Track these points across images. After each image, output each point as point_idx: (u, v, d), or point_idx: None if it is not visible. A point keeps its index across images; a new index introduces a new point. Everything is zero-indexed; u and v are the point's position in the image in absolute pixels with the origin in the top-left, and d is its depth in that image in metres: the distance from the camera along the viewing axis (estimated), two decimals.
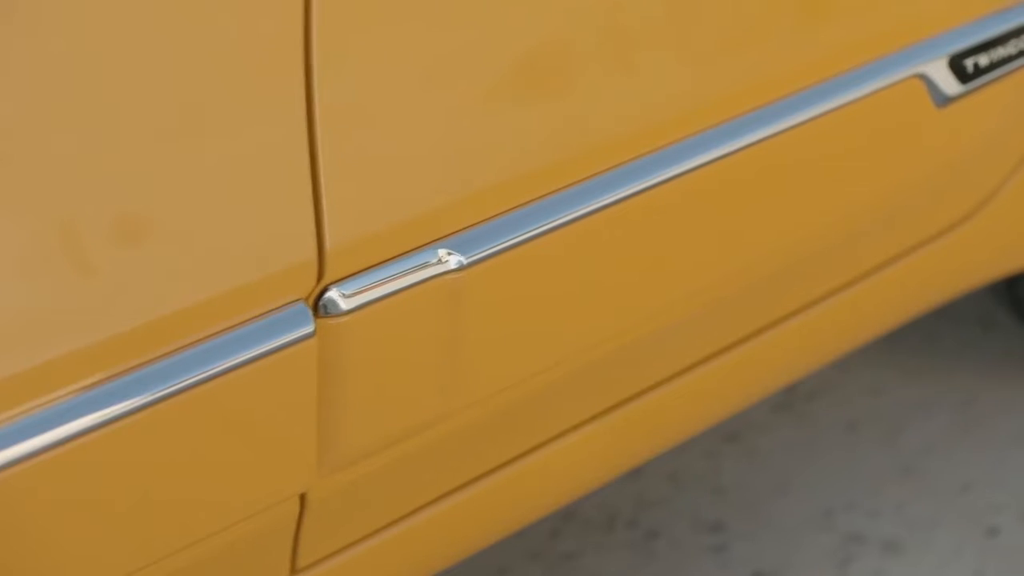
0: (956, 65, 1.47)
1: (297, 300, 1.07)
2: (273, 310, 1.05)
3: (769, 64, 1.35)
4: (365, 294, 1.09)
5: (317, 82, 1.03)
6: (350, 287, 1.09)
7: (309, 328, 1.07)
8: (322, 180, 1.05)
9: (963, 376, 2.10)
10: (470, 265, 1.14)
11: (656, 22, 1.25)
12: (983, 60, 1.50)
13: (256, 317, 1.05)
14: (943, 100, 1.48)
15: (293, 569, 1.20)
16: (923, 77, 1.45)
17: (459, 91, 1.12)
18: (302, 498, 1.16)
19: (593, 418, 1.44)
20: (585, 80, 1.19)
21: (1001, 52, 1.52)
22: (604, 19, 1.21)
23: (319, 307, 1.09)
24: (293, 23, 1.02)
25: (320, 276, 1.08)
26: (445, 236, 1.13)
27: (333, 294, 1.09)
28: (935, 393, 2.07)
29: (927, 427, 2.01)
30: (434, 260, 1.12)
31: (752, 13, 1.33)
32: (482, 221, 1.15)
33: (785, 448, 1.99)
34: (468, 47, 1.12)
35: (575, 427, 1.42)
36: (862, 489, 1.92)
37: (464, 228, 1.14)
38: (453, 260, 1.13)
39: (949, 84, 1.48)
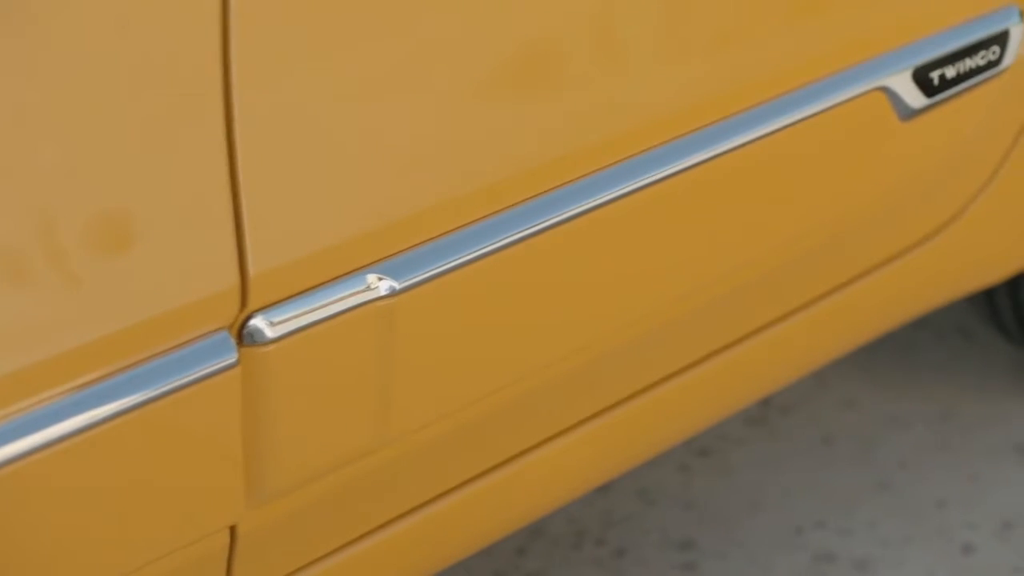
0: (920, 78, 1.43)
1: (220, 329, 1.03)
2: (194, 339, 1.02)
3: (727, 77, 1.31)
4: (292, 322, 1.06)
5: (237, 98, 0.99)
6: (276, 315, 1.05)
7: (232, 358, 1.04)
8: (243, 204, 1.01)
9: (941, 389, 2.06)
10: (404, 291, 1.10)
11: (599, 38, 1.21)
12: (950, 72, 1.46)
13: (177, 347, 1.01)
14: (908, 113, 1.45)
15: None
16: (886, 90, 1.41)
17: (389, 109, 1.08)
18: (232, 530, 1.12)
19: (556, 436, 1.40)
20: (529, 96, 1.15)
21: (969, 64, 1.48)
22: (553, 33, 1.18)
23: (243, 335, 1.05)
24: (209, 34, 0.98)
25: (244, 304, 1.04)
26: (378, 260, 1.09)
27: (258, 322, 1.05)
28: (912, 407, 2.03)
29: (903, 442, 1.98)
30: (363, 287, 1.08)
31: (709, 26, 1.29)
32: (417, 245, 1.11)
33: (758, 463, 1.95)
34: (398, 62, 1.08)
35: (534, 447, 1.38)
36: (834, 506, 1.88)
37: (398, 252, 1.10)
38: (384, 286, 1.09)
39: (914, 97, 1.44)
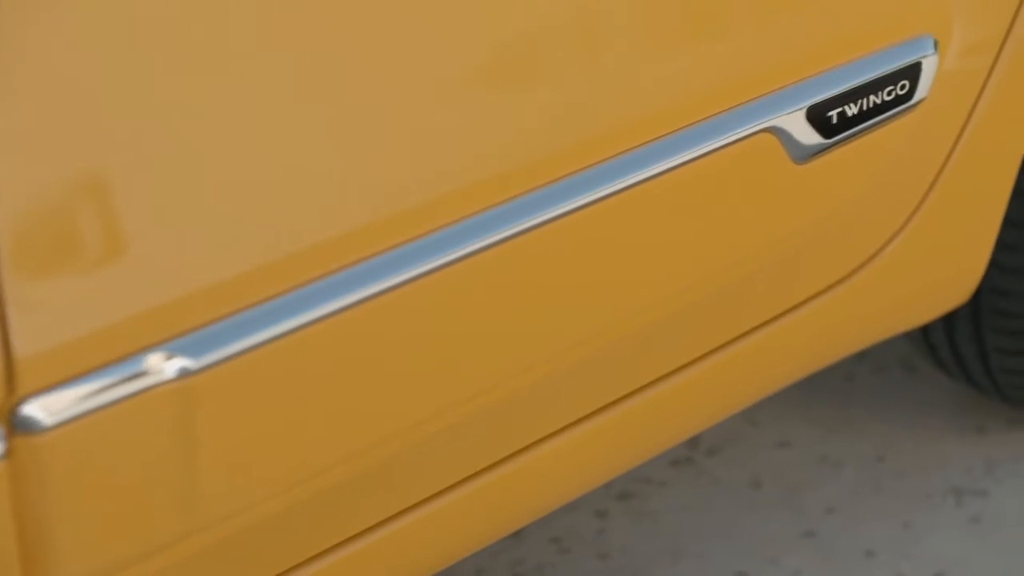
0: (816, 117, 1.33)
1: None
2: None
3: (597, 120, 1.22)
4: (71, 408, 0.96)
5: None
6: (52, 400, 0.96)
7: None
8: (3, 274, 0.91)
9: (877, 427, 1.96)
10: (203, 370, 1.00)
11: (474, 81, 1.12)
12: (851, 110, 1.36)
13: None
14: (804, 155, 1.35)
15: None
16: (776, 131, 1.31)
17: (185, 158, 0.97)
18: None
19: (429, 499, 1.31)
20: (354, 160, 1.05)
21: (874, 100, 1.38)
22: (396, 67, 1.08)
23: (14, 423, 0.95)
24: None
25: (11, 388, 0.94)
26: (175, 336, 0.99)
27: (30, 409, 0.95)
28: (846, 447, 1.94)
29: (834, 485, 1.88)
30: (149, 367, 0.98)
31: (581, 63, 1.20)
32: (218, 319, 1.01)
33: (680, 508, 1.86)
34: (192, 102, 0.98)
35: (399, 514, 1.28)
36: (758, 555, 1.79)
37: (197, 327, 1.00)
38: (173, 366, 0.99)
39: (809, 138, 1.34)
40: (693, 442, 1.95)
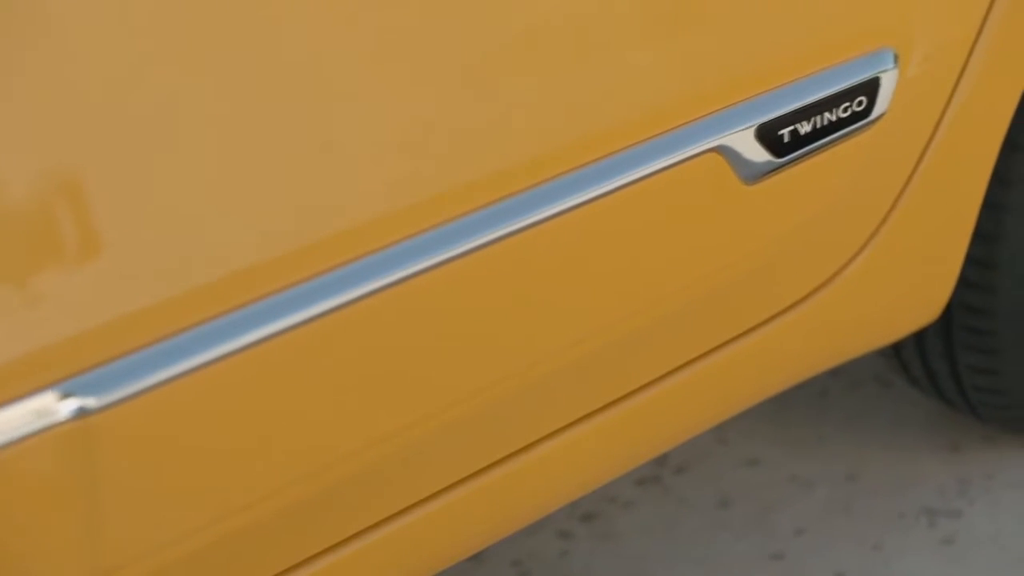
0: (766, 136, 1.29)
1: None
2: None
3: (535, 141, 1.18)
4: None
5: None
6: None
7: None
8: None
9: (849, 445, 1.92)
10: (105, 408, 0.96)
11: (407, 105, 1.08)
12: (804, 128, 1.32)
13: None
14: (755, 175, 1.30)
15: None
16: (723, 150, 1.27)
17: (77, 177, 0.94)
18: None
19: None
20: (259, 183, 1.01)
21: (828, 117, 1.34)
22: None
23: None
24: None
25: None
26: (72, 374, 0.95)
27: None
28: (817, 465, 1.89)
29: (804, 505, 1.84)
30: (43, 407, 0.95)
31: (526, 81, 1.16)
32: (119, 356, 0.97)
33: (646, 529, 1.82)
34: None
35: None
36: None
37: (98, 364, 0.96)
38: (68, 407, 0.95)
39: (759, 157, 1.29)
40: (660, 460, 1.91)
